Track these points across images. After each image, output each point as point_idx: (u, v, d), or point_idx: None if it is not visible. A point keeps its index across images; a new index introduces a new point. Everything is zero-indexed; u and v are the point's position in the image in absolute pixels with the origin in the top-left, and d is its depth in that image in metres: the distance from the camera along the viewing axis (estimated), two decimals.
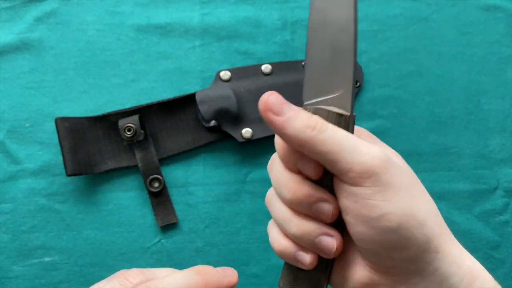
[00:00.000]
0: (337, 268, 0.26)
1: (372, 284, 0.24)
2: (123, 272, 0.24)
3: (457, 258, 0.24)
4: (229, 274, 0.25)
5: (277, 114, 0.23)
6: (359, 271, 0.25)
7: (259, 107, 0.24)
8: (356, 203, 0.23)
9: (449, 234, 0.25)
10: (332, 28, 0.24)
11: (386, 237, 0.23)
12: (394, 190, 0.22)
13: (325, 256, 0.25)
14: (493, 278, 0.25)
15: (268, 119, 0.23)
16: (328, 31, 0.24)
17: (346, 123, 0.24)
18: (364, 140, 0.24)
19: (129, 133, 0.42)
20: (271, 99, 0.23)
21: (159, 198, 0.43)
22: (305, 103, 0.26)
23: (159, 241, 0.42)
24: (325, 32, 0.24)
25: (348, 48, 0.24)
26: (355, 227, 0.23)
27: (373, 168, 0.22)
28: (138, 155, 0.43)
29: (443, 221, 0.25)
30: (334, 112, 0.24)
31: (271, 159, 0.27)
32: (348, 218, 0.24)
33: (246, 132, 0.44)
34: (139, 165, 0.43)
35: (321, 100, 0.25)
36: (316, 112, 0.25)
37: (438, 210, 0.26)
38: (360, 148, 0.22)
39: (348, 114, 0.24)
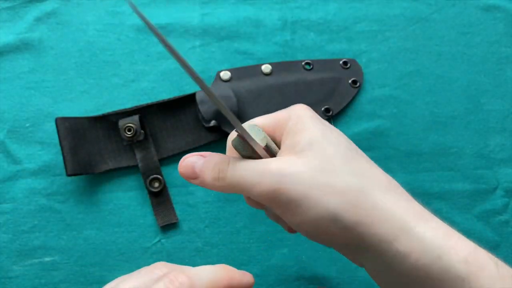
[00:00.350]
0: None
1: (341, 254, 0.27)
2: (147, 267, 0.25)
3: (387, 236, 0.23)
4: (248, 275, 0.26)
5: (193, 178, 0.27)
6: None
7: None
8: (280, 218, 0.26)
9: (378, 212, 0.23)
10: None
11: (313, 238, 0.25)
12: (296, 204, 0.23)
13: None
14: (443, 242, 0.23)
15: (191, 182, 0.27)
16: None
17: (243, 140, 0.25)
18: (290, 131, 0.26)
19: (129, 133, 0.42)
20: (182, 169, 0.27)
21: (159, 198, 0.43)
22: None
23: (159, 241, 0.42)
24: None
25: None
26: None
27: (269, 195, 0.24)
28: (138, 155, 0.43)
29: (375, 195, 0.24)
30: (231, 140, 0.27)
31: None
32: None
33: None
34: (139, 165, 0.43)
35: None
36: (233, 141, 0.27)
37: (373, 182, 0.24)
38: (255, 179, 0.24)
39: (236, 134, 0.26)
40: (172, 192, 0.43)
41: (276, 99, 0.45)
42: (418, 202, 0.26)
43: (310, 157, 0.24)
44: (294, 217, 0.24)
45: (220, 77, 0.46)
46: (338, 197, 0.23)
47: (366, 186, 0.24)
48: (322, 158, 0.24)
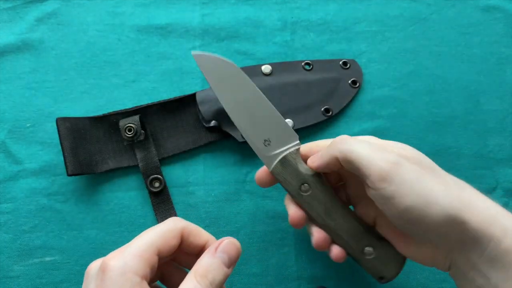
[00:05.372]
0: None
1: (433, 257, 0.31)
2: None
3: (483, 224, 0.27)
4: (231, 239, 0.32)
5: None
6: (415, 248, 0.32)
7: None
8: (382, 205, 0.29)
9: (474, 205, 0.28)
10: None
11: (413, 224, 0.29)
12: (408, 187, 0.28)
13: None
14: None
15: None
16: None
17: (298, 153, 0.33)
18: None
19: (129, 133, 0.42)
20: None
21: (160, 198, 0.43)
22: (271, 170, 0.34)
23: None
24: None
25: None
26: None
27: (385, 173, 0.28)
28: (139, 155, 0.43)
29: (470, 193, 0.30)
30: (293, 152, 0.33)
31: None
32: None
33: None
34: (140, 165, 0.43)
35: (277, 153, 0.33)
36: (283, 165, 0.33)
37: (460, 184, 0.30)
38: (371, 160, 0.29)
39: (297, 141, 0.33)
40: (172, 192, 0.44)
41: (276, 99, 0.45)
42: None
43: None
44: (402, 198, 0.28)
45: None
46: (443, 188, 0.29)
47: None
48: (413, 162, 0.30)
